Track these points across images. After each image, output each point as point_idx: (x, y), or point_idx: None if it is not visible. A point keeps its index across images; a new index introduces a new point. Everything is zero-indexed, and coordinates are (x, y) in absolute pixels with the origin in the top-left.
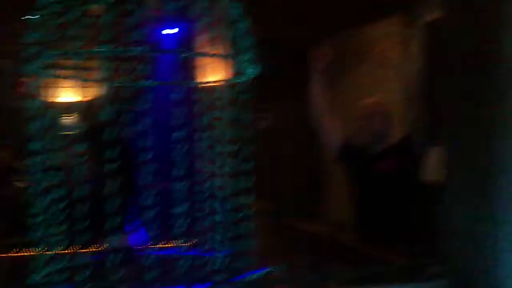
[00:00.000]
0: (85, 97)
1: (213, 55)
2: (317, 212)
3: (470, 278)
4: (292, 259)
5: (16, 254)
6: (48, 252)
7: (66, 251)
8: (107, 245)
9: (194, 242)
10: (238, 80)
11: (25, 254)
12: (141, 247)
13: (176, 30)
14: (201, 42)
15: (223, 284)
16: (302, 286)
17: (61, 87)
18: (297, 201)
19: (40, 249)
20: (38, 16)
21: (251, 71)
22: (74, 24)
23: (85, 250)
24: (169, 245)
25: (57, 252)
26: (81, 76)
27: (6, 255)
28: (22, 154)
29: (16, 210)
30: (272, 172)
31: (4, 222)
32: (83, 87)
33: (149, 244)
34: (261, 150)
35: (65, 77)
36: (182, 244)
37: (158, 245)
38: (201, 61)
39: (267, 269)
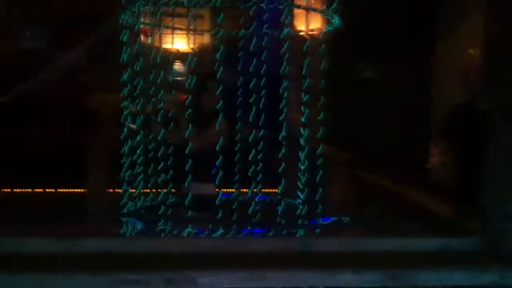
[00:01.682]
0: (191, 45)
1: (307, 8)
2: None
3: (503, 237)
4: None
5: (112, 190)
6: (133, 191)
7: (149, 191)
8: (186, 188)
9: (268, 188)
10: (326, 30)
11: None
12: (217, 191)
13: None
14: None
15: (291, 228)
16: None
17: (168, 35)
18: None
19: (127, 187)
20: None
21: (337, 21)
22: None
23: (165, 192)
24: (244, 190)
25: (142, 191)
26: (188, 26)
27: (108, 190)
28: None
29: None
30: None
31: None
32: (190, 36)
33: (224, 189)
34: (347, 100)
35: (173, 27)
36: (257, 190)
37: (233, 190)
38: (294, 11)
39: (335, 218)
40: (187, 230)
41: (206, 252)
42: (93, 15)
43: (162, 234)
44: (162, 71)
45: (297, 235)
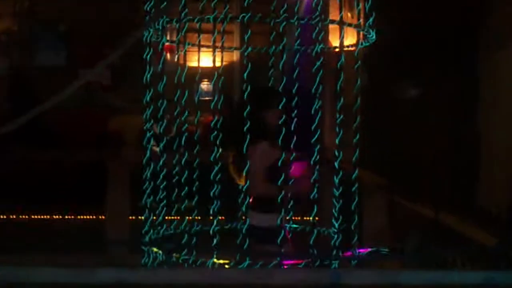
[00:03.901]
0: (221, 63)
1: (341, 23)
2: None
3: None
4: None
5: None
6: (155, 218)
7: (172, 218)
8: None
9: (303, 215)
10: (363, 46)
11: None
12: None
13: None
14: (327, 8)
15: (324, 259)
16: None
17: (196, 53)
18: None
19: (148, 214)
20: None
21: (374, 37)
22: None
23: (189, 219)
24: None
25: (163, 218)
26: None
27: (130, 218)
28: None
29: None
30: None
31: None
32: (219, 53)
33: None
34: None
35: (199, 44)
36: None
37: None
38: (329, 27)
39: (373, 249)
40: (211, 261)
41: (230, 284)
42: (116, 32)
43: (186, 265)
44: (187, 91)
45: (332, 267)
